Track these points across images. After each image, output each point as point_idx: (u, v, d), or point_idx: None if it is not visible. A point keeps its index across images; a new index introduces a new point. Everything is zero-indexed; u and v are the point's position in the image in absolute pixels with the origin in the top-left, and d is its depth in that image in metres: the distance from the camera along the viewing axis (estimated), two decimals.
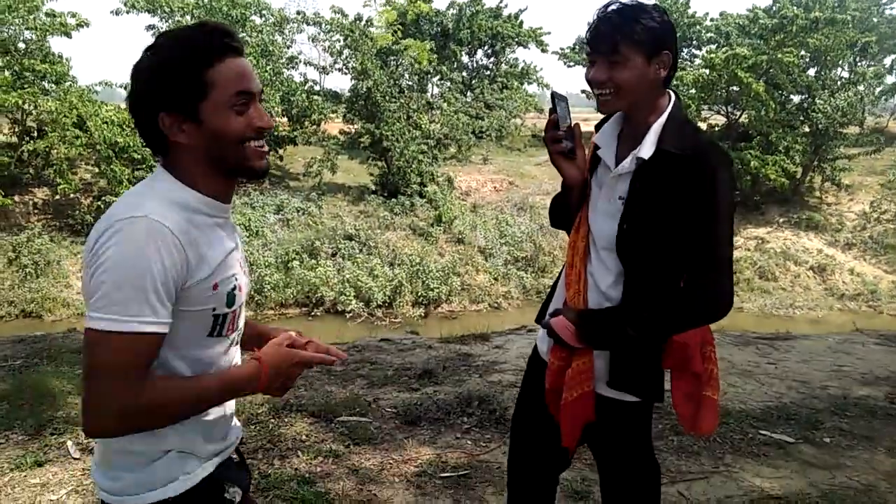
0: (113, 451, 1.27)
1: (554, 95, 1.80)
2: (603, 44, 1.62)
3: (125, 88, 18.92)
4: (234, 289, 1.30)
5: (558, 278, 2.01)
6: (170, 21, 18.72)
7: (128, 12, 18.53)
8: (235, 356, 1.40)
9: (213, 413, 1.34)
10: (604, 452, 1.95)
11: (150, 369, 1.18)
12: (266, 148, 1.30)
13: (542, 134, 1.83)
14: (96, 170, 16.49)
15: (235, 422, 1.48)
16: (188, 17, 18.58)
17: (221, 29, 1.24)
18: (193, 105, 1.20)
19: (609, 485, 2.00)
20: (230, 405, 1.42)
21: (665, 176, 1.65)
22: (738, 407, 3.96)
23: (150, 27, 19.15)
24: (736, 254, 14.28)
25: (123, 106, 18.59)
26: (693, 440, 3.49)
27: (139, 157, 16.49)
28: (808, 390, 4.34)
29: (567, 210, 1.88)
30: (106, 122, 15.45)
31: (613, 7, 1.64)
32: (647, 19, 1.60)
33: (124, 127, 15.93)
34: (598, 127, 1.89)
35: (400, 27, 22.90)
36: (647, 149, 1.67)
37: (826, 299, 16.84)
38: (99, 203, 15.71)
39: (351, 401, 3.85)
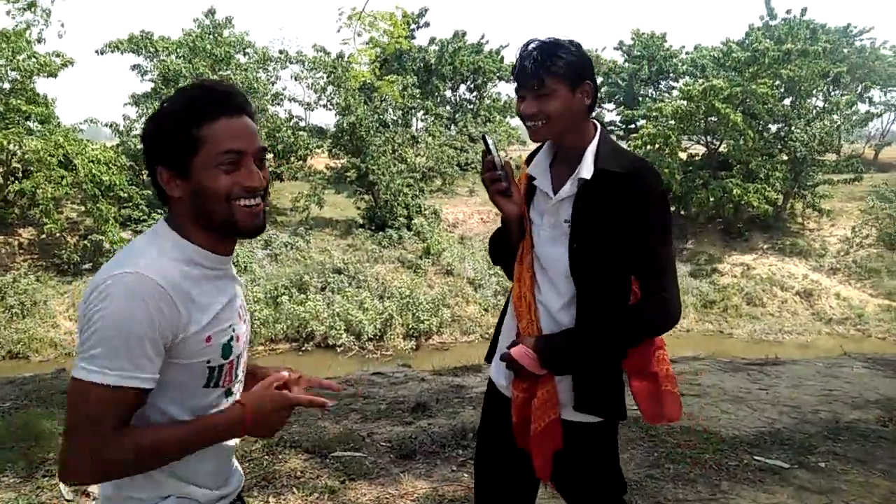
0: (112, 498, 1.27)
1: (485, 137, 1.89)
2: (529, 79, 1.72)
3: (111, 126, 18.98)
4: (230, 340, 1.31)
5: (502, 315, 2.03)
6: (154, 60, 18.88)
7: (112, 52, 18.68)
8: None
9: (213, 459, 1.34)
10: (569, 480, 1.93)
11: (130, 422, 1.19)
12: (260, 206, 1.30)
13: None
14: (82, 208, 16.43)
15: (237, 466, 1.48)
16: (172, 57, 18.76)
17: (219, 88, 1.27)
18: (185, 161, 1.23)
19: None
20: (230, 451, 1.41)
21: (606, 194, 1.72)
22: (731, 433, 3.97)
23: (135, 66, 19.30)
24: (723, 280, 14.43)
25: (109, 144, 18.64)
26: (689, 468, 3.49)
27: (125, 195, 16.46)
28: (799, 415, 4.36)
29: (508, 245, 1.92)
30: (92, 161, 15.44)
31: (534, 45, 1.74)
32: (565, 53, 1.70)
33: (110, 165, 15.93)
34: (528, 160, 1.95)
35: (382, 63, 23.21)
36: (587, 169, 1.74)
37: (814, 324, 16.96)
38: (85, 242, 15.62)
39: (345, 436, 3.82)
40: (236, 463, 1.48)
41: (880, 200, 19.63)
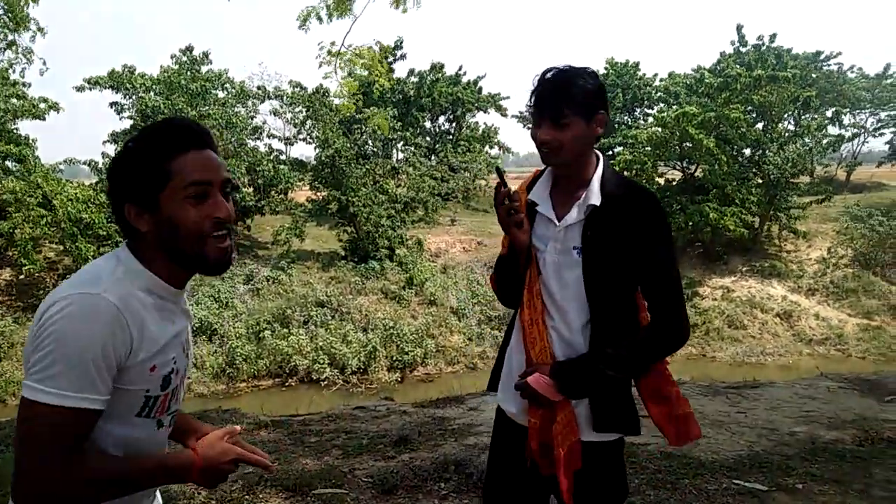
0: None
1: (499, 169, 1.94)
2: (548, 109, 1.76)
3: (89, 165, 18.92)
4: (170, 372, 1.31)
5: (505, 343, 2.06)
6: (133, 97, 18.92)
7: (91, 89, 18.71)
8: (163, 440, 1.39)
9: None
10: (584, 497, 1.94)
11: (83, 445, 1.18)
12: (227, 242, 1.32)
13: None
14: (61, 248, 16.29)
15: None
16: (151, 94, 18.81)
17: (184, 124, 1.30)
18: (153, 196, 1.25)
19: None
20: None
21: (615, 219, 1.78)
22: (710, 458, 4.00)
23: (113, 104, 19.32)
24: (704, 303, 14.50)
25: (87, 182, 18.55)
26: (669, 493, 3.51)
27: (104, 233, 16.35)
28: (777, 437, 4.40)
29: (517, 273, 1.94)
30: (71, 200, 15.36)
31: (552, 74, 1.78)
32: (583, 85, 1.75)
33: (89, 204, 15.85)
34: (528, 187, 1.99)
35: (362, 97, 23.48)
36: (595, 196, 1.80)
37: (795, 345, 17.12)
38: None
39: (326, 472, 3.80)
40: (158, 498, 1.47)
41: (854, 221, 20.00)
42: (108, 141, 19.42)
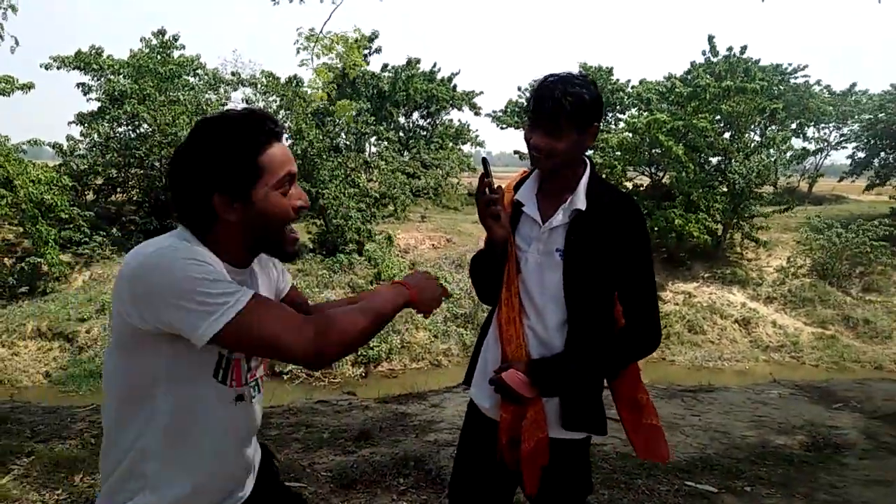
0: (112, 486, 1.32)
1: (485, 161, 1.95)
2: (545, 117, 1.79)
3: (53, 147, 18.47)
4: None
5: (481, 339, 2.12)
6: (100, 79, 18.51)
7: (58, 68, 18.25)
8: (243, 420, 1.41)
9: (204, 474, 1.35)
10: (550, 492, 2.01)
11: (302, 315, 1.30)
12: (297, 234, 1.41)
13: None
14: (20, 230, 15.87)
15: (242, 487, 1.47)
16: (120, 77, 18.43)
17: (268, 116, 1.34)
18: (247, 188, 1.29)
19: None
20: (234, 469, 1.43)
21: (600, 225, 1.83)
22: None
23: (80, 85, 18.88)
24: (666, 308, 14.75)
25: (52, 164, 18.11)
26: (623, 493, 3.60)
27: (66, 216, 15.99)
28: (729, 441, 4.53)
29: (494, 269, 1.98)
30: (33, 181, 14.98)
31: (552, 83, 1.80)
32: (582, 97, 1.77)
33: (52, 186, 15.48)
34: (515, 187, 2.03)
35: (335, 88, 23.29)
36: (581, 201, 1.85)
37: (752, 351, 17.53)
38: (22, 264, 15.06)
39: (285, 466, 3.80)
40: (246, 488, 1.48)
41: (813, 231, 20.52)
42: (74, 122, 18.98)
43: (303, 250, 19.27)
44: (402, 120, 30.56)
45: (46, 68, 18.18)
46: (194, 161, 1.29)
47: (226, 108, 21.46)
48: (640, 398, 2.01)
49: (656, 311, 1.90)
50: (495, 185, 1.89)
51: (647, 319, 1.87)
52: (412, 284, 1.51)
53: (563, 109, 1.75)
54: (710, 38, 27.23)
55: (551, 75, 1.84)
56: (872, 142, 27.58)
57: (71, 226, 16.28)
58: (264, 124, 1.31)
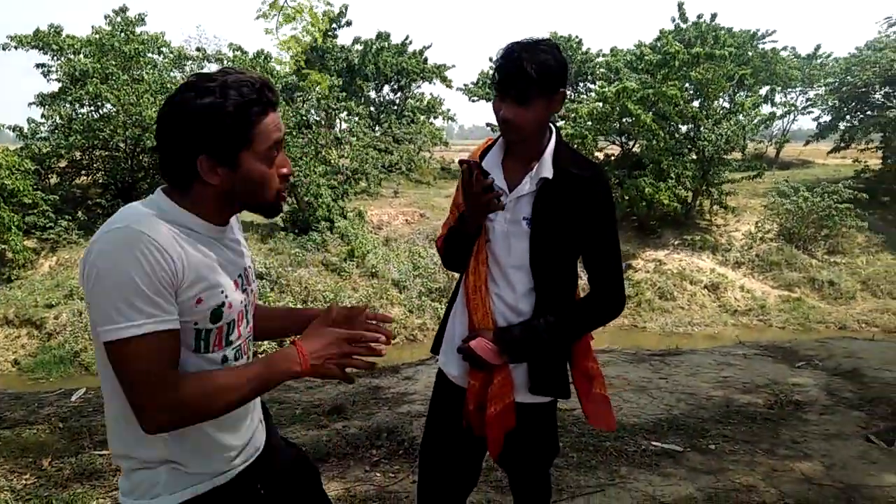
0: (122, 457, 1.35)
1: (470, 161, 1.87)
2: (512, 88, 1.78)
3: (13, 130, 17.96)
4: (220, 305, 1.34)
5: (449, 306, 2.14)
6: (60, 59, 17.97)
7: (16, 48, 17.66)
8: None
9: (218, 432, 1.38)
10: (517, 454, 2.08)
11: (177, 367, 1.25)
12: (286, 192, 1.45)
13: (452, 166, 1.95)
14: None
15: (252, 441, 1.50)
16: (81, 56, 17.90)
17: (266, 84, 1.33)
18: (234, 154, 1.29)
19: (522, 482, 2.16)
20: (242, 426, 1.46)
21: (566, 193, 1.85)
22: (632, 421, 4.21)
23: (40, 65, 18.31)
24: (636, 276, 14.90)
25: (13, 147, 17.62)
26: (591, 455, 3.68)
27: (30, 201, 15.61)
28: (695, 401, 4.65)
29: (468, 245, 1.99)
30: None
31: (517, 52, 1.78)
32: (547, 64, 1.76)
33: (13, 170, 15.07)
34: (481, 156, 2.02)
35: (303, 59, 22.89)
36: (547, 169, 1.86)
37: (721, 315, 17.86)
38: None
39: None
40: (256, 430, 1.52)
41: (780, 196, 20.83)
42: (35, 104, 18.43)
43: (275, 229, 19.10)
44: (372, 94, 30.25)
45: (3, 48, 17.59)
46: (186, 119, 1.27)
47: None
48: (590, 367, 2.05)
49: (620, 277, 1.93)
50: (490, 180, 1.86)
51: (611, 285, 1.91)
52: (304, 345, 1.37)
53: (530, 78, 1.75)
54: (680, 5, 27.30)
55: (515, 43, 1.82)
56: (838, 105, 27.96)
57: (35, 211, 15.89)
58: (263, 94, 1.31)
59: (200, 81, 1.29)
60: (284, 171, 1.37)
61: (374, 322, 1.51)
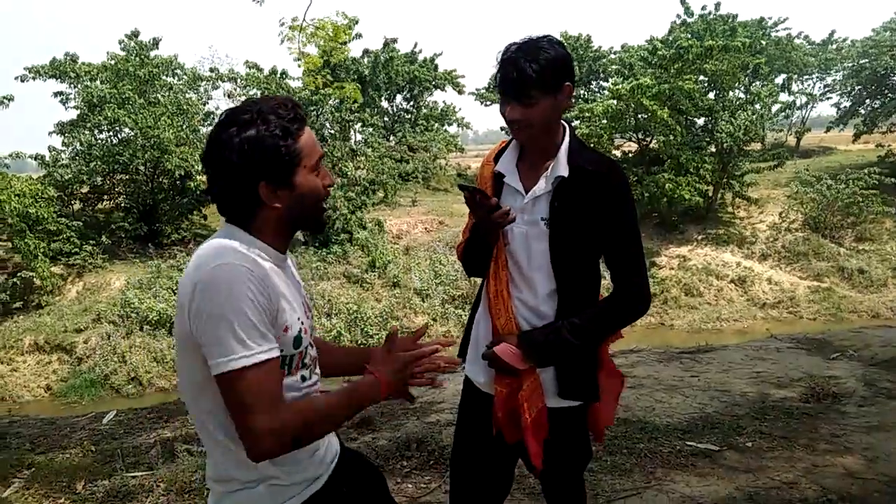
0: (217, 480, 1.43)
1: (468, 187, 1.84)
2: (513, 89, 1.76)
3: (35, 159, 18.29)
4: (300, 331, 1.43)
5: (473, 314, 2.10)
6: (78, 86, 18.29)
7: (34, 78, 18.02)
8: (311, 386, 1.52)
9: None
10: (550, 461, 2.01)
11: (282, 393, 1.33)
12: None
13: (469, 172, 1.93)
14: (9, 245, 15.74)
15: (331, 443, 1.60)
16: (97, 83, 18.20)
17: (295, 103, 1.41)
18: (289, 174, 1.37)
19: (557, 489, 2.11)
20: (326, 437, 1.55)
21: (583, 190, 1.81)
22: (665, 421, 4.13)
23: (58, 93, 18.65)
24: (661, 273, 14.73)
25: (36, 176, 17.93)
26: (626, 458, 3.61)
27: (54, 228, 15.86)
28: (729, 398, 4.55)
29: (487, 252, 1.96)
30: (17, 195, 14.82)
31: (515, 51, 1.76)
32: (547, 59, 1.73)
33: (37, 198, 15.32)
34: (495, 158, 2.00)
35: (326, 73, 23.01)
36: (562, 167, 1.82)
37: (749, 309, 17.59)
38: (14, 280, 14.95)
39: None
40: (332, 439, 1.60)
41: (803, 185, 20.49)
42: (55, 132, 18.76)
43: (296, 243, 19.22)
44: (385, 104, 30.34)
45: (22, 80, 17.95)
46: (238, 154, 1.33)
47: (206, 106, 21.28)
48: (611, 365, 2.03)
49: (644, 274, 1.89)
50: (493, 201, 1.84)
51: (635, 282, 1.87)
52: (383, 374, 1.50)
53: (530, 78, 1.72)
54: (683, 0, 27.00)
55: (513, 44, 1.80)
56: (857, 89, 27.48)
57: (60, 237, 16.15)
58: (295, 112, 1.38)
59: (236, 115, 1.36)
60: (327, 182, 1.46)
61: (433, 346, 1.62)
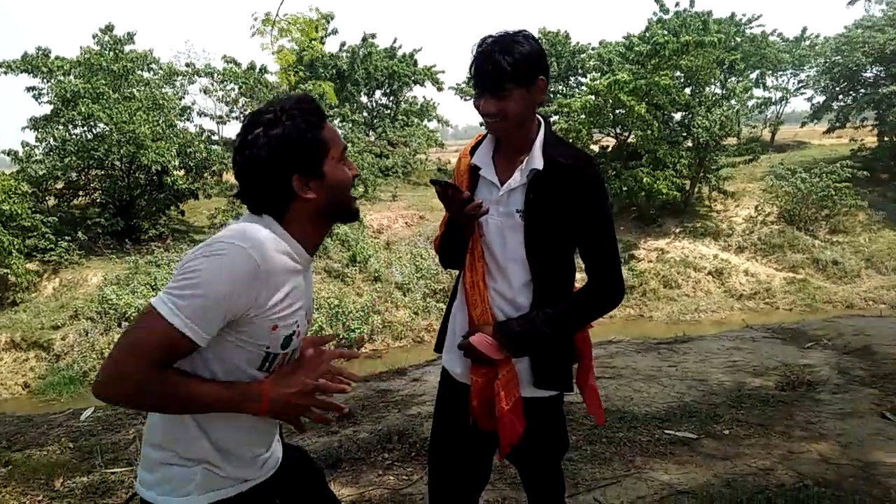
0: (154, 446, 1.43)
1: (441, 182, 1.87)
2: (487, 82, 1.78)
3: (8, 154, 17.95)
4: (292, 334, 1.45)
5: (450, 304, 2.12)
6: (50, 81, 17.97)
7: (5, 73, 17.68)
8: None
9: (247, 434, 1.47)
10: (526, 450, 2.04)
11: (169, 365, 1.31)
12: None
13: (448, 167, 1.95)
14: None
15: (275, 450, 1.60)
16: (71, 77, 17.90)
17: (312, 98, 1.47)
18: (318, 165, 1.42)
19: (534, 478, 2.13)
20: (267, 430, 1.54)
21: (557, 183, 1.83)
22: (643, 410, 4.18)
23: (30, 88, 18.30)
24: (640, 266, 14.88)
25: (9, 172, 17.59)
26: (605, 447, 3.65)
27: (29, 224, 15.59)
28: (706, 387, 4.63)
29: (462, 244, 1.98)
30: None
31: (489, 45, 1.78)
32: (521, 53, 1.75)
33: (10, 194, 15.05)
34: (471, 151, 2.02)
35: (301, 70, 22.86)
36: (537, 161, 1.84)
37: (727, 301, 17.83)
38: None
39: None
40: (277, 447, 1.60)
41: (778, 179, 20.79)
42: (28, 127, 18.42)
43: None
44: (364, 99, 30.20)
45: None
46: (270, 151, 1.38)
47: (182, 101, 21.01)
48: (588, 359, 2.05)
49: (617, 266, 1.91)
50: (465, 195, 1.86)
51: (608, 274, 1.89)
52: (269, 391, 1.41)
53: (505, 70, 1.74)
54: None
55: (488, 37, 1.82)
56: (830, 85, 27.91)
57: (35, 233, 15.87)
58: (316, 106, 1.44)
59: (260, 116, 1.41)
60: (353, 172, 1.50)
61: (340, 358, 1.60)
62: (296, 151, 1.39)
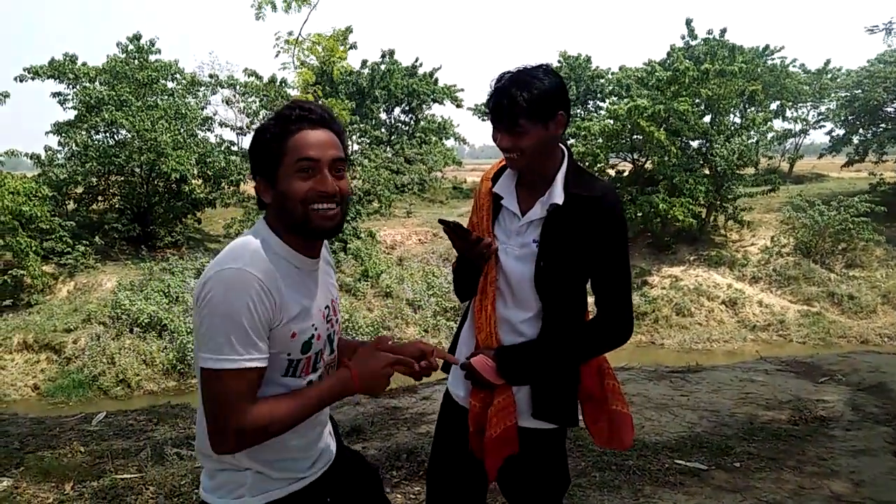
0: (210, 458, 1.46)
1: (449, 222, 1.89)
2: (504, 119, 1.77)
3: (31, 158, 18.26)
4: (311, 338, 1.48)
5: (460, 326, 2.12)
6: (76, 87, 18.30)
7: (32, 78, 18.03)
8: None
9: (296, 437, 1.50)
10: (522, 483, 1.99)
11: (256, 394, 1.37)
12: (334, 210, 1.46)
13: (465, 186, 1.95)
14: (0, 242, 15.67)
15: (326, 448, 1.63)
16: (96, 84, 18.21)
17: (302, 105, 1.45)
18: (273, 170, 1.42)
19: None
20: (315, 431, 1.58)
21: (576, 218, 1.82)
22: (654, 439, 4.15)
23: (56, 94, 18.65)
24: (653, 292, 14.78)
25: (31, 175, 17.88)
26: (614, 475, 3.63)
27: (47, 227, 15.80)
28: (718, 418, 4.58)
29: (476, 275, 1.97)
30: (12, 193, 14.77)
31: (506, 81, 1.78)
32: (539, 89, 1.74)
33: (31, 197, 15.27)
34: (494, 178, 2.02)
35: (319, 87, 23.08)
36: (558, 195, 1.83)
37: (739, 331, 17.66)
38: (5, 277, 14.86)
39: None
40: (328, 444, 1.63)
41: (795, 211, 20.68)
42: (52, 132, 18.75)
43: None
44: (383, 116, 30.49)
45: (20, 80, 17.94)
46: (248, 150, 1.47)
47: (204, 111, 21.31)
48: (606, 384, 2.00)
49: (628, 303, 1.88)
50: (473, 236, 1.88)
51: (618, 311, 1.86)
52: (357, 368, 1.50)
53: (520, 108, 1.73)
54: (689, 22, 27.38)
55: (506, 72, 1.82)
56: (850, 119, 27.81)
57: (52, 236, 16.09)
58: (293, 112, 1.43)
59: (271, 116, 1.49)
60: (320, 188, 1.42)
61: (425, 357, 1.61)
62: (254, 153, 1.45)
